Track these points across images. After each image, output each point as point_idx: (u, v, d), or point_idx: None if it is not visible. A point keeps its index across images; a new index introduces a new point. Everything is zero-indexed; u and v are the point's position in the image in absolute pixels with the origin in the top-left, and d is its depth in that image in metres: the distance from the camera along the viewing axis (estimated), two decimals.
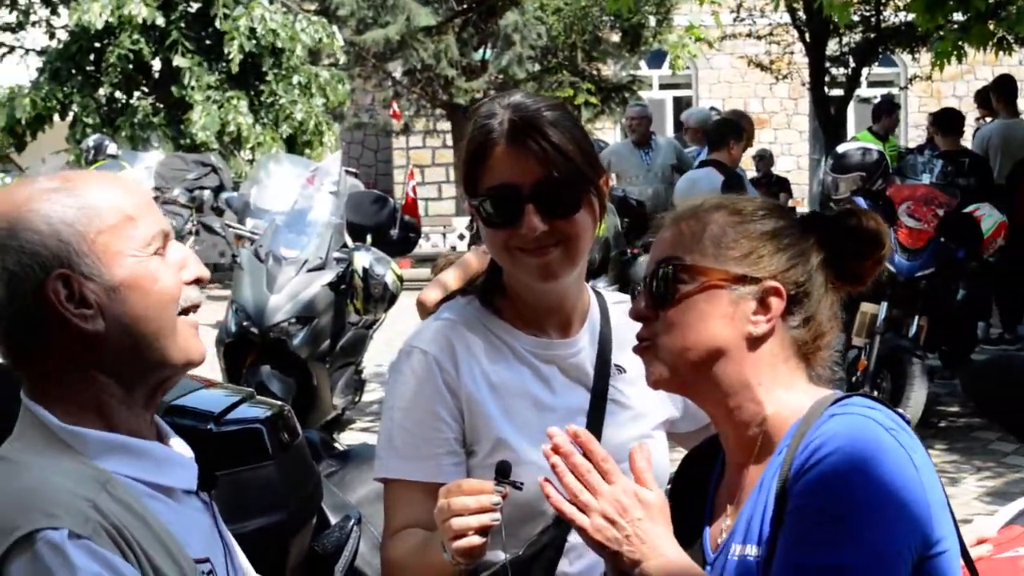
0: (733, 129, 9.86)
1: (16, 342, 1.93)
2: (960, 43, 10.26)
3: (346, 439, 8.81)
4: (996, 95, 12.94)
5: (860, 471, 1.90)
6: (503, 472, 2.22)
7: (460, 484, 2.21)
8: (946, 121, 11.79)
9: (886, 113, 14.97)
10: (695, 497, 2.25)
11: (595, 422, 2.56)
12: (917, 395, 8.38)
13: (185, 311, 2.00)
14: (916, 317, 9.05)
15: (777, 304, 2.08)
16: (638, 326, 2.68)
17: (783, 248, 2.11)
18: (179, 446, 2.08)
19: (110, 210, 1.94)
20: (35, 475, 1.85)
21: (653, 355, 2.13)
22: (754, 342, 2.08)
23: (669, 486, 2.55)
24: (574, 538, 2.50)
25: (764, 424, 2.08)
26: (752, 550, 2.01)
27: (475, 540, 2.16)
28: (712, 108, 16.49)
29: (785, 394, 2.09)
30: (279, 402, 4.33)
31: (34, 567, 1.74)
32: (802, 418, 2.03)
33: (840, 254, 2.15)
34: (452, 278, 5.41)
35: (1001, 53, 11.11)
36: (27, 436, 1.93)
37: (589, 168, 2.48)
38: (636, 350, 2.17)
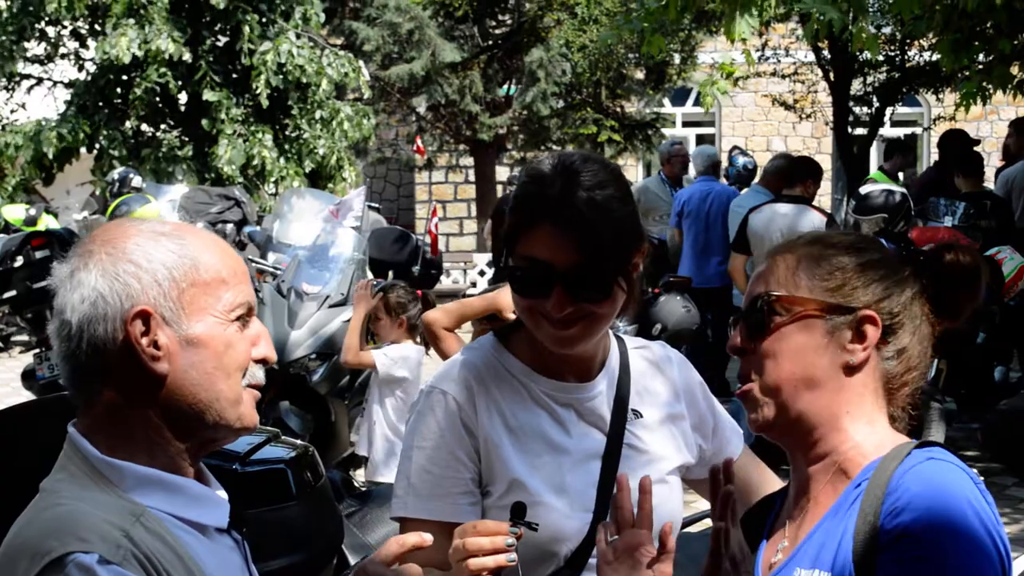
0: (809, 168, 9.99)
1: (84, 362, 1.96)
2: (983, 84, 10.28)
3: (362, 476, 8.82)
4: (1018, 136, 12.87)
5: (958, 522, 1.93)
6: (518, 513, 2.24)
7: (476, 525, 2.24)
8: (967, 163, 11.75)
9: (899, 152, 14.97)
10: (752, 521, 2.28)
11: (610, 466, 2.58)
12: (935, 438, 8.35)
13: (251, 386, 2.05)
14: (935, 360, 9.02)
15: (873, 332, 2.11)
16: (656, 372, 2.71)
17: (877, 279, 2.13)
18: (216, 488, 2.11)
19: (208, 268, 2.00)
20: (70, 505, 1.88)
21: (755, 398, 2.14)
22: (850, 371, 2.11)
23: (683, 530, 2.57)
24: None
25: (844, 453, 2.11)
26: None
27: None
28: (735, 147, 16.51)
29: (867, 428, 2.12)
30: (303, 443, 4.35)
31: None
32: (885, 456, 2.06)
33: (935, 288, 2.18)
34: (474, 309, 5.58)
35: (1018, 95, 11.13)
36: (67, 468, 1.97)
37: (629, 248, 2.50)
38: (738, 395, 2.18)
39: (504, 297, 5.47)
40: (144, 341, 1.94)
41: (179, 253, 1.99)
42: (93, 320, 1.94)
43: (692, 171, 13.85)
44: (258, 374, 2.06)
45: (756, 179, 13.14)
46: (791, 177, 10.08)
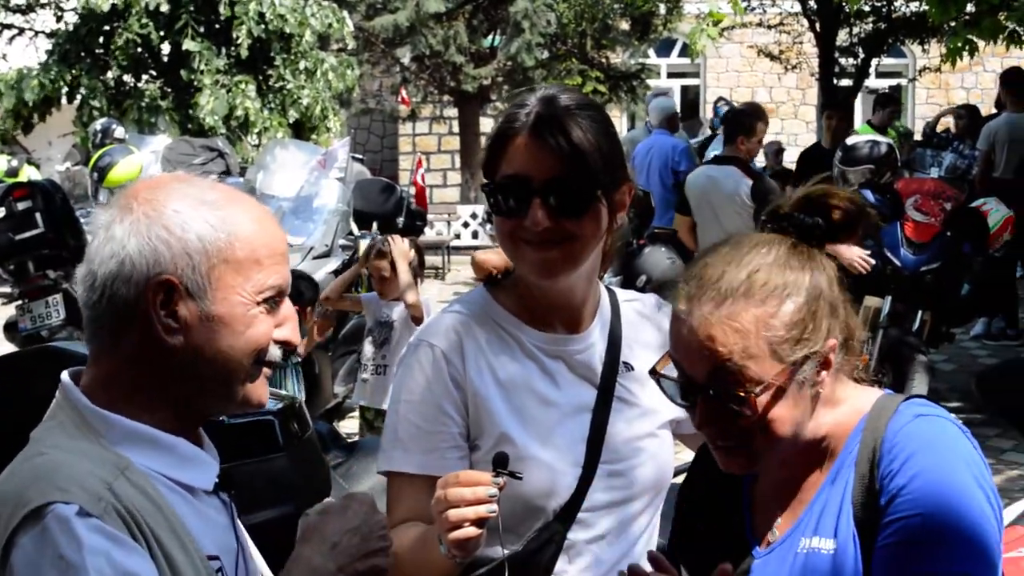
0: (740, 124, 9.69)
1: (101, 316, 1.94)
2: (970, 36, 10.24)
3: (345, 427, 8.82)
4: (1004, 88, 12.86)
5: (963, 483, 1.95)
6: (501, 463, 2.22)
7: (458, 475, 2.22)
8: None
9: (881, 106, 15.01)
10: (720, 491, 2.26)
11: (600, 419, 2.56)
12: (919, 390, 8.37)
13: (266, 364, 2.01)
14: (920, 312, 9.04)
15: (833, 356, 2.05)
16: (647, 324, 2.68)
17: (821, 303, 2.04)
18: (209, 448, 2.09)
19: (243, 246, 1.95)
20: (54, 454, 1.86)
21: (737, 457, 2.09)
22: (818, 393, 2.06)
23: (676, 480, 2.56)
24: (574, 535, 2.51)
25: (829, 434, 2.10)
26: (826, 543, 2.03)
27: (470, 532, 2.16)
28: (720, 98, 16.48)
29: (844, 405, 2.10)
30: (290, 394, 4.33)
31: (41, 539, 1.75)
32: (869, 415, 2.06)
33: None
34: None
35: (1011, 46, 11.09)
36: (57, 416, 1.95)
37: (608, 174, 2.44)
38: (718, 452, 2.11)
39: None
40: (162, 312, 1.91)
41: (216, 226, 1.93)
42: (118, 279, 1.91)
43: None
44: (275, 353, 2.01)
45: None
46: (725, 136, 9.77)
